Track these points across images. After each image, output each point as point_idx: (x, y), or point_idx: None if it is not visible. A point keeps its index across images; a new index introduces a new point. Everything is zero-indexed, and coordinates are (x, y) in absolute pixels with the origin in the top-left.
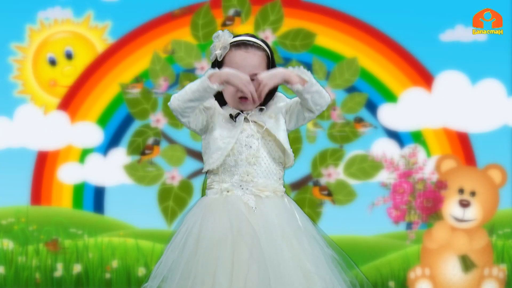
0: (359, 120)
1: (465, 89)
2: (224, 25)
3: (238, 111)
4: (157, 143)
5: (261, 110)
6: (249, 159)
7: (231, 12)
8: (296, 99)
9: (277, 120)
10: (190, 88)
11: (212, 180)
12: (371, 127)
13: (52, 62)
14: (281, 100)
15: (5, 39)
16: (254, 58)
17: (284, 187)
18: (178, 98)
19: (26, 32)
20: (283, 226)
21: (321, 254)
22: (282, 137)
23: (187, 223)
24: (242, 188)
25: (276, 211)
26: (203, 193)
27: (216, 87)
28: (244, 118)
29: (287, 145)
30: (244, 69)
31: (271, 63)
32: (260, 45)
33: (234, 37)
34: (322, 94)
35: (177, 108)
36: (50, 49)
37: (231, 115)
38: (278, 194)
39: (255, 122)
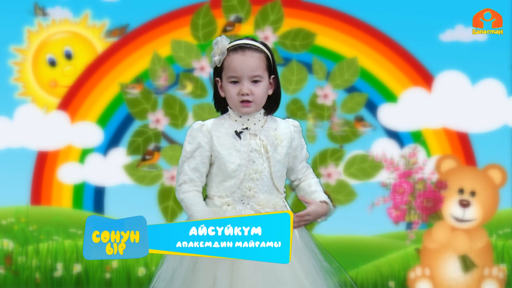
0: (360, 119)
1: (465, 89)
2: (224, 30)
3: (242, 124)
4: (158, 149)
5: (266, 114)
6: (252, 175)
7: (232, 18)
8: (303, 160)
9: (281, 148)
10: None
11: (215, 192)
12: (371, 128)
13: (52, 63)
14: (295, 128)
15: (4, 42)
16: (251, 60)
17: (285, 199)
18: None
19: (25, 34)
20: None
21: (319, 270)
22: (277, 169)
23: None
24: (243, 203)
25: None
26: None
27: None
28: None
29: (277, 180)
30: (242, 72)
31: (272, 65)
32: (258, 47)
33: (231, 42)
34: None
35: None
36: (49, 50)
37: (236, 132)
38: (278, 210)
39: (262, 140)
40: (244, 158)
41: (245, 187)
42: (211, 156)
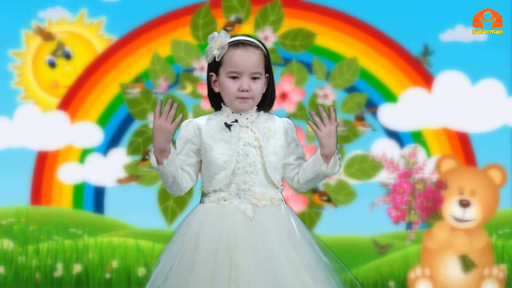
0: (360, 118)
1: (465, 89)
2: (224, 30)
3: (233, 119)
4: None
5: (258, 110)
6: (246, 168)
7: (232, 18)
8: (298, 158)
9: (275, 140)
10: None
11: (208, 187)
12: (370, 128)
13: (52, 64)
14: (288, 125)
15: (2, 47)
16: (253, 57)
17: (281, 194)
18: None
19: (22, 37)
20: (280, 235)
21: (318, 262)
22: (271, 160)
23: (184, 232)
24: (240, 197)
25: (273, 220)
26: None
27: (166, 162)
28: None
29: (271, 171)
30: (244, 68)
31: (268, 63)
32: (258, 44)
33: (230, 37)
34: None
35: (179, 194)
36: (48, 51)
37: (226, 124)
38: (275, 203)
39: (254, 132)
40: (234, 149)
41: (240, 181)
42: (199, 150)
